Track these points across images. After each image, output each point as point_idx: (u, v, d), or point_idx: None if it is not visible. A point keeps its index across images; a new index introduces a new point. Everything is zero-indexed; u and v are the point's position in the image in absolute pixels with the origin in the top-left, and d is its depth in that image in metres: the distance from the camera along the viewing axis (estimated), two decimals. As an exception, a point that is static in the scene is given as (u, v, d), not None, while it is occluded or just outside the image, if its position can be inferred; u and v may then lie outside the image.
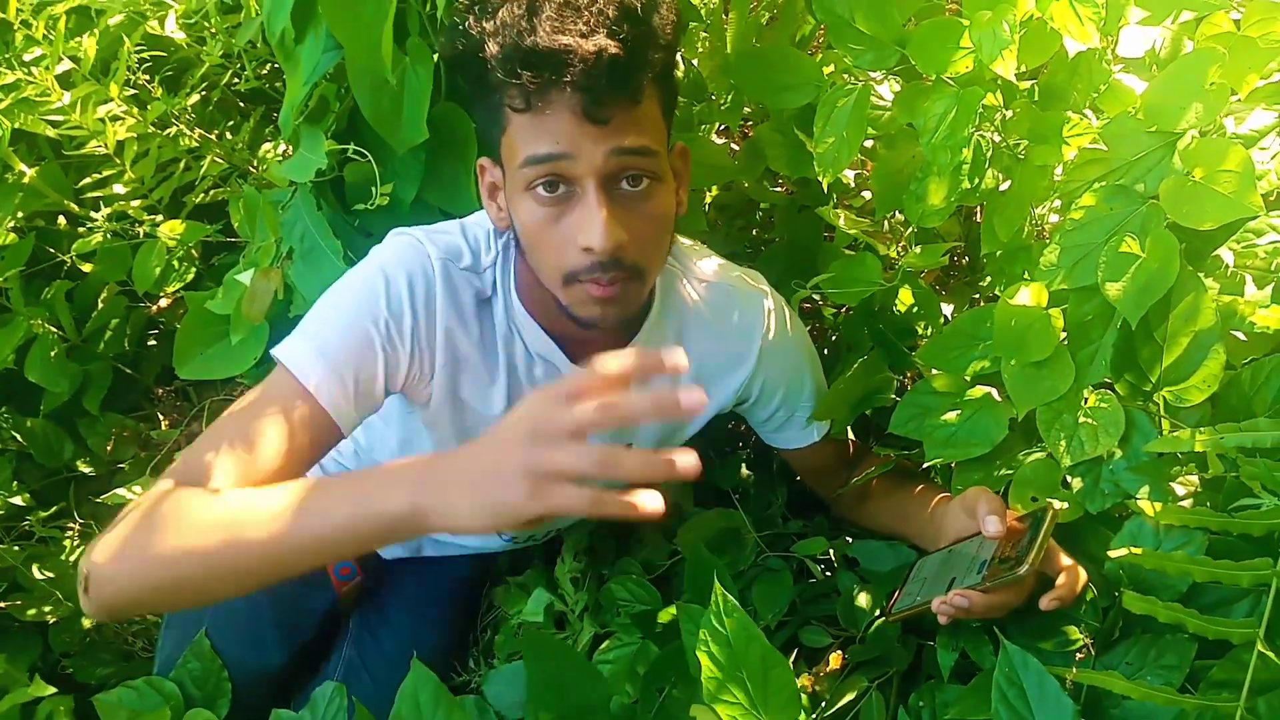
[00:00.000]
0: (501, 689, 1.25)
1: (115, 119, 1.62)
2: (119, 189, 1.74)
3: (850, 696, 1.10)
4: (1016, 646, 0.89)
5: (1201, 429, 0.94)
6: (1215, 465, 0.97)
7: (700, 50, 1.42)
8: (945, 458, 1.15)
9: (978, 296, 1.51)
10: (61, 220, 1.90)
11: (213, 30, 1.58)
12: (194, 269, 1.80)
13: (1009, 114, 1.12)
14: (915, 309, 1.37)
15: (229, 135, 1.76)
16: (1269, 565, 0.86)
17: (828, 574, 1.33)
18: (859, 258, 1.33)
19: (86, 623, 1.75)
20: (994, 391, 1.14)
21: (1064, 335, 1.05)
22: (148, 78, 1.66)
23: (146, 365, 2.04)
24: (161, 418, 2.02)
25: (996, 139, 1.12)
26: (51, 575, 1.73)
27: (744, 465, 1.55)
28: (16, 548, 1.73)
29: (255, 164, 1.75)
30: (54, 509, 1.82)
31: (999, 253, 1.18)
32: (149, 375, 2.05)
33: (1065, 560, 1.02)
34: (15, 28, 1.55)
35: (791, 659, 0.93)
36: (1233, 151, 0.92)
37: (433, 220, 1.19)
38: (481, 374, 1.16)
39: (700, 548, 1.28)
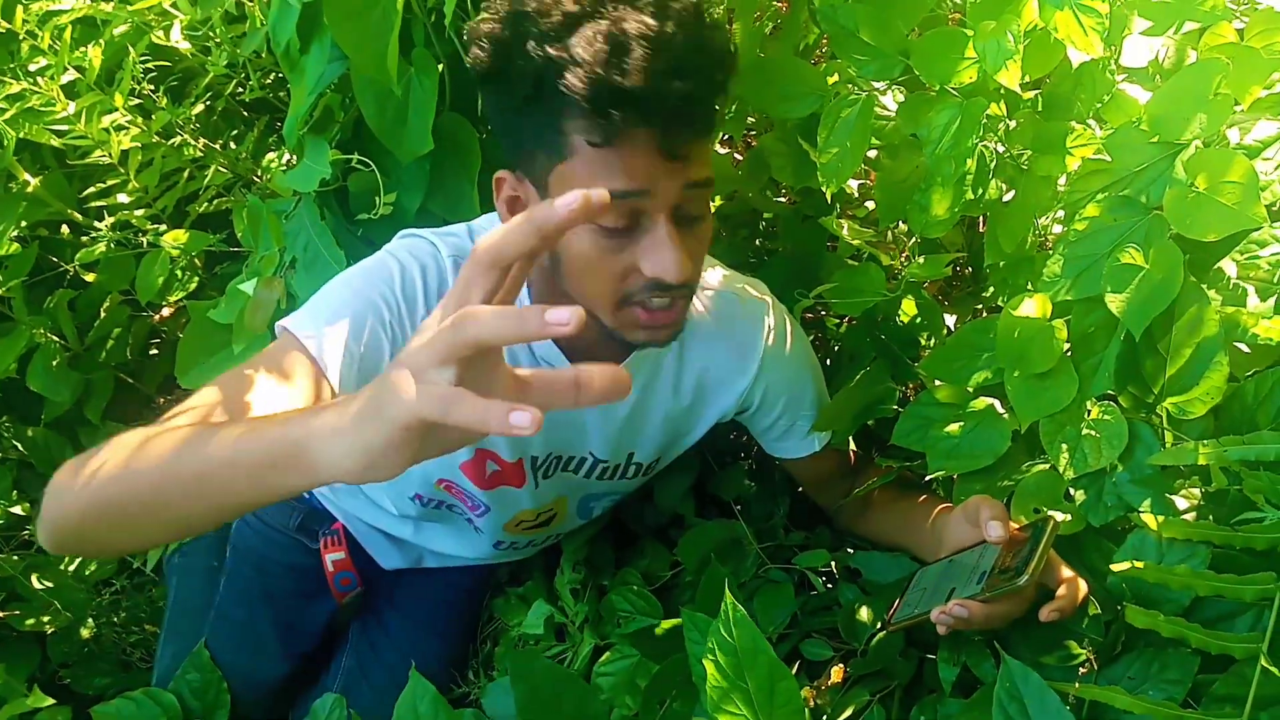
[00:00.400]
0: (500, 701, 1.24)
1: (120, 129, 1.62)
2: (123, 198, 1.74)
3: (852, 710, 1.09)
4: (1018, 661, 0.88)
5: (1205, 441, 0.94)
6: (1218, 478, 0.96)
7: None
8: (948, 469, 1.15)
9: (981, 307, 1.51)
10: (65, 229, 1.90)
11: (218, 40, 1.58)
12: (197, 278, 1.80)
13: (1013, 124, 1.12)
14: (918, 320, 1.37)
15: (233, 145, 1.76)
16: (1272, 579, 0.85)
17: (829, 586, 1.33)
18: (862, 268, 1.33)
19: (85, 633, 1.75)
20: (997, 403, 1.14)
21: (1067, 347, 1.05)
22: (152, 87, 1.66)
23: (148, 374, 2.04)
24: (162, 428, 2.02)
25: (1000, 149, 1.11)
26: (50, 585, 1.73)
27: (745, 476, 1.54)
28: (16, 557, 1.73)
29: (259, 173, 1.75)
30: (55, 518, 1.82)
31: (1002, 263, 1.18)
32: (151, 384, 2.04)
33: (1066, 572, 1.01)
34: (21, 38, 1.56)
35: (793, 671, 0.93)
36: (1236, 162, 0.92)
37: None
38: None
39: (708, 558, 1.28)
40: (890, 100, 1.21)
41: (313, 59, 1.32)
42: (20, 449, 1.86)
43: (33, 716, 1.47)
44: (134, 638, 1.78)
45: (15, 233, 1.75)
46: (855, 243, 1.33)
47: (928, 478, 1.16)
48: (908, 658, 1.14)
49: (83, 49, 1.57)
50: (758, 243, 1.72)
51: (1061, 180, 1.08)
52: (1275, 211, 1.07)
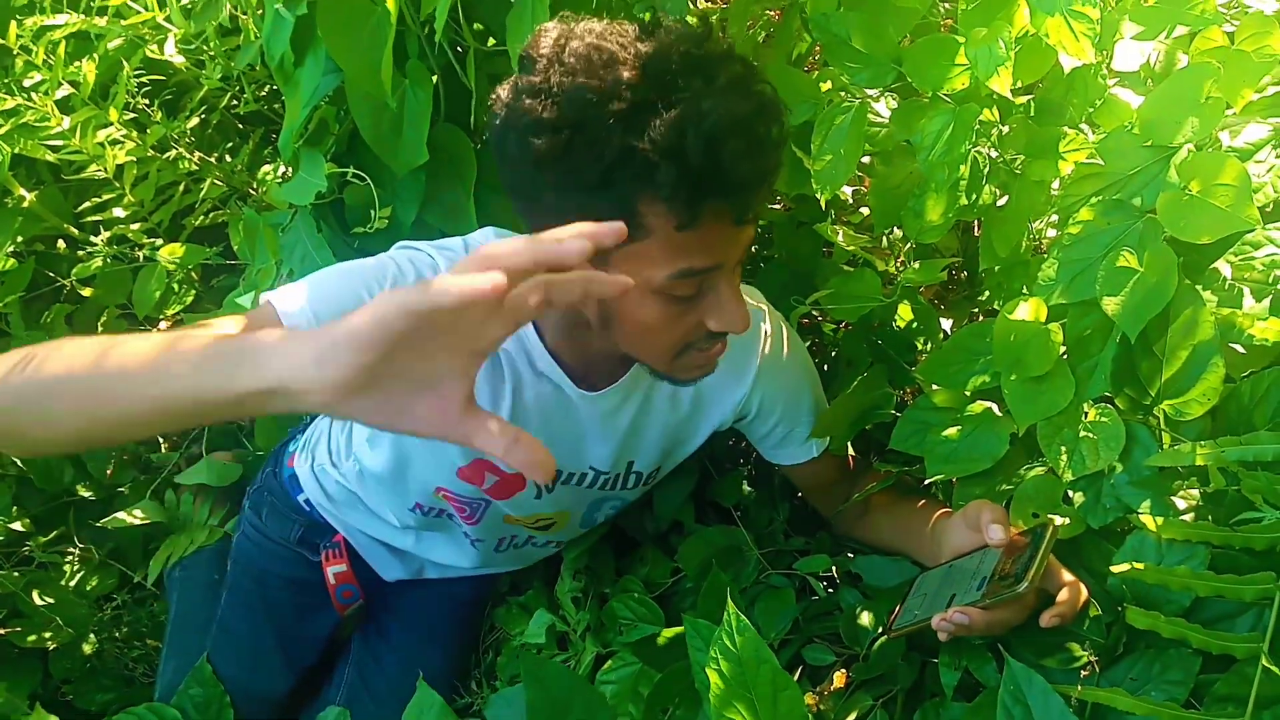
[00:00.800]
0: (503, 712, 1.24)
1: (115, 143, 1.63)
2: (119, 212, 1.74)
3: (855, 715, 1.10)
4: (1021, 664, 0.89)
5: (1202, 442, 0.94)
6: (1216, 479, 0.96)
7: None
8: (946, 473, 1.15)
9: (977, 311, 1.52)
10: (61, 244, 1.90)
11: (212, 54, 1.58)
12: (194, 291, 1.80)
13: (1005, 130, 1.12)
14: (914, 324, 1.38)
15: (228, 158, 1.77)
16: (1272, 579, 0.86)
17: (830, 591, 1.33)
18: (858, 274, 1.33)
19: (87, 649, 1.75)
20: (994, 407, 1.14)
21: (1063, 350, 1.05)
22: (147, 101, 1.67)
23: (147, 389, 2.03)
24: (161, 441, 2.02)
25: (993, 154, 1.12)
26: (51, 601, 1.73)
27: (745, 482, 1.54)
28: (16, 573, 1.73)
29: (255, 186, 1.75)
30: (54, 534, 1.82)
31: (997, 268, 1.18)
32: (149, 399, 2.04)
33: (1067, 577, 1.02)
34: (15, 53, 1.56)
35: (795, 677, 0.93)
36: (1228, 165, 0.92)
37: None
38: (483, 388, 1.16)
39: (709, 564, 1.28)
40: (883, 107, 1.21)
41: (307, 72, 1.32)
42: (19, 465, 1.86)
43: (35, 733, 1.47)
44: (136, 652, 1.77)
45: (11, 248, 1.75)
46: (851, 249, 1.33)
47: (926, 482, 1.16)
48: (910, 662, 1.15)
49: (77, 64, 1.58)
50: (753, 250, 1.72)
51: (1055, 185, 1.09)
52: (1268, 213, 1.08)
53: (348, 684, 1.49)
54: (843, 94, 1.17)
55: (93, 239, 1.77)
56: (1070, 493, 1.05)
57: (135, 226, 1.75)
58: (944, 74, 1.06)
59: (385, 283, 1.05)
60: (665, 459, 1.33)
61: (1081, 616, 1.00)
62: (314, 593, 1.49)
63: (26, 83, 1.58)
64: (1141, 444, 1.02)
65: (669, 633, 1.22)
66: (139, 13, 1.53)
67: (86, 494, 1.90)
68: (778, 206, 1.64)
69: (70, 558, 1.81)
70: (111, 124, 1.60)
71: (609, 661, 1.26)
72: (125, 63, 1.58)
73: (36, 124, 1.59)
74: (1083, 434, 1.03)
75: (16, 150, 1.60)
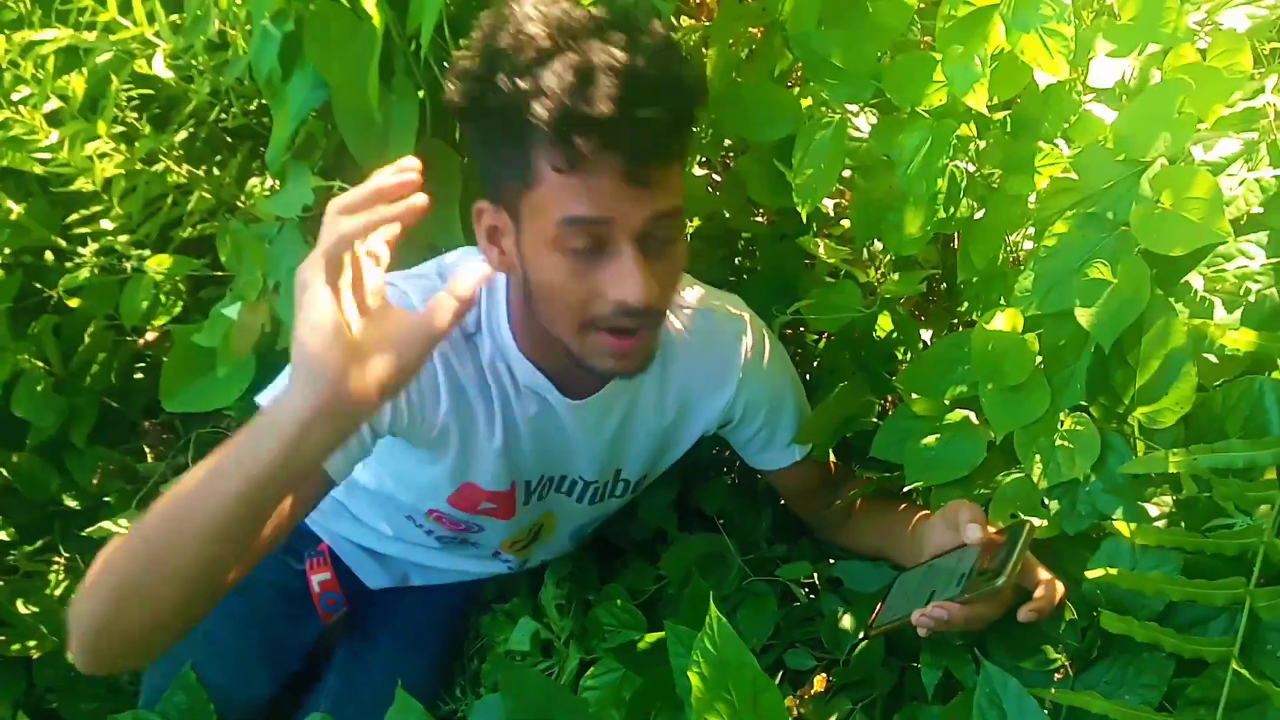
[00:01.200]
0: (488, 719, 1.25)
1: (103, 156, 1.63)
2: (106, 225, 1.74)
3: (835, 718, 1.11)
4: (997, 667, 0.90)
5: (1175, 450, 0.95)
6: (1189, 486, 0.98)
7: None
8: (925, 480, 1.17)
9: (956, 322, 1.53)
10: (49, 256, 1.90)
11: (200, 68, 1.59)
12: (181, 303, 1.81)
13: (982, 145, 1.14)
14: (895, 334, 1.39)
15: (216, 171, 1.77)
16: (1243, 584, 0.88)
17: (811, 597, 1.34)
18: (839, 285, 1.35)
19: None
20: (973, 415, 1.15)
21: (1040, 359, 1.07)
22: (135, 115, 1.67)
23: (133, 399, 2.04)
24: (148, 451, 2.02)
25: (971, 169, 1.14)
26: (36, 610, 1.73)
27: (728, 490, 1.55)
28: (2, 583, 1.73)
29: (242, 199, 1.75)
30: (40, 543, 1.82)
31: (975, 279, 1.20)
32: (135, 409, 2.05)
33: (1043, 573, 1.04)
34: (4, 67, 1.56)
35: (776, 681, 0.94)
36: (1200, 179, 0.94)
37: (418, 256, 1.20)
38: (478, 407, 1.17)
39: (691, 571, 1.29)
40: (863, 122, 1.23)
41: (295, 86, 1.33)
42: (5, 474, 1.86)
43: (20, 742, 1.47)
44: (120, 662, 1.77)
45: (-1, 260, 1.76)
46: (832, 260, 1.35)
47: (906, 488, 1.17)
48: (889, 667, 1.16)
49: (65, 78, 1.58)
50: (737, 261, 1.74)
51: (1031, 198, 1.10)
52: (1240, 225, 1.10)
53: (333, 691, 1.49)
54: (823, 110, 1.19)
55: (81, 250, 1.77)
56: (1046, 499, 1.07)
57: (123, 238, 1.75)
58: (922, 90, 1.08)
59: None
60: (652, 466, 1.34)
61: (1057, 618, 1.02)
62: (298, 601, 1.49)
63: (15, 96, 1.59)
64: (1116, 451, 1.03)
65: (651, 638, 1.23)
66: (128, 28, 1.54)
67: (72, 504, 1.90)
68: (760, 220, 1.66)
69: (56, 567, 1.81)
70: (100, 137, 1.60)
71: (592, 668, 1.27)
72: (114, 76, 1.58)
73: (25, 137, 1.59)
74: (1059, 442, 1.05)
75: (5, 163, 1.60)
